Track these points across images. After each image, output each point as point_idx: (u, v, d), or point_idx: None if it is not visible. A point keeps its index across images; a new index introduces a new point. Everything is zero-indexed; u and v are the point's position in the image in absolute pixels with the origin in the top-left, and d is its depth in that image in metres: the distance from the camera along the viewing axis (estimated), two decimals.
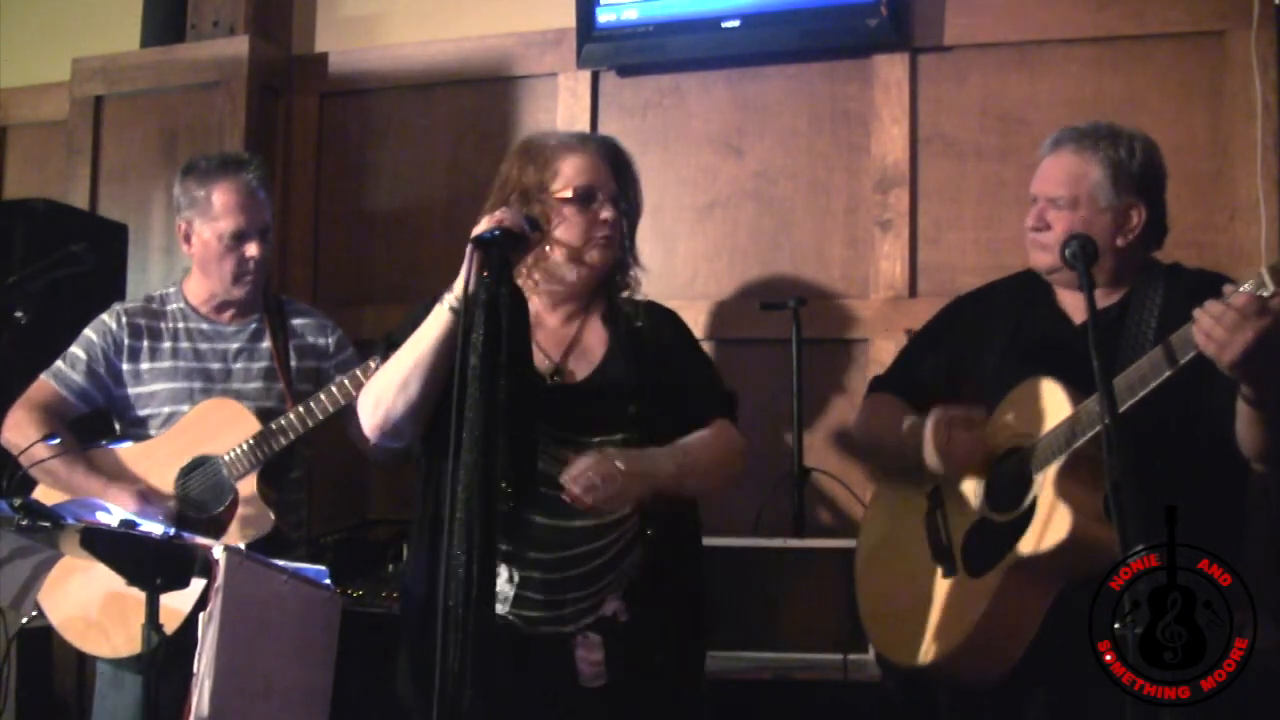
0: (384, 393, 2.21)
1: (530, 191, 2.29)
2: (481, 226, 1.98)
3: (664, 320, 2.43)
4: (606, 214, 2.30)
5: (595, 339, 2.36)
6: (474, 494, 1.77)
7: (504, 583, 2.16)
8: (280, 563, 2.19)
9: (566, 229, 2.28)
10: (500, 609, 2.14)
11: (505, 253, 1.94)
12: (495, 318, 1.85)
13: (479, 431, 1.79)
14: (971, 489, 2.37)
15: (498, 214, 2.02)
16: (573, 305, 2.37)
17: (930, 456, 2.35)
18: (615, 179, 2.34)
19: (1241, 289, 1.99)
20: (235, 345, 2.96)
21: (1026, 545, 2.19)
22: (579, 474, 2.08)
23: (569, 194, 2.28)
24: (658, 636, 2.22)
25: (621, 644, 2.19)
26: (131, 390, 2.92)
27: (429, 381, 2.15)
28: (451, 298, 2.13)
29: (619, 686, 2.19)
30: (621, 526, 2.21)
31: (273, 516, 2.79)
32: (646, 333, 2.37)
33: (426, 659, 1.78)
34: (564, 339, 2.34)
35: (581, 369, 2.31)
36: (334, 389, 2.78)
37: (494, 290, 1.87)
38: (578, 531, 2.18)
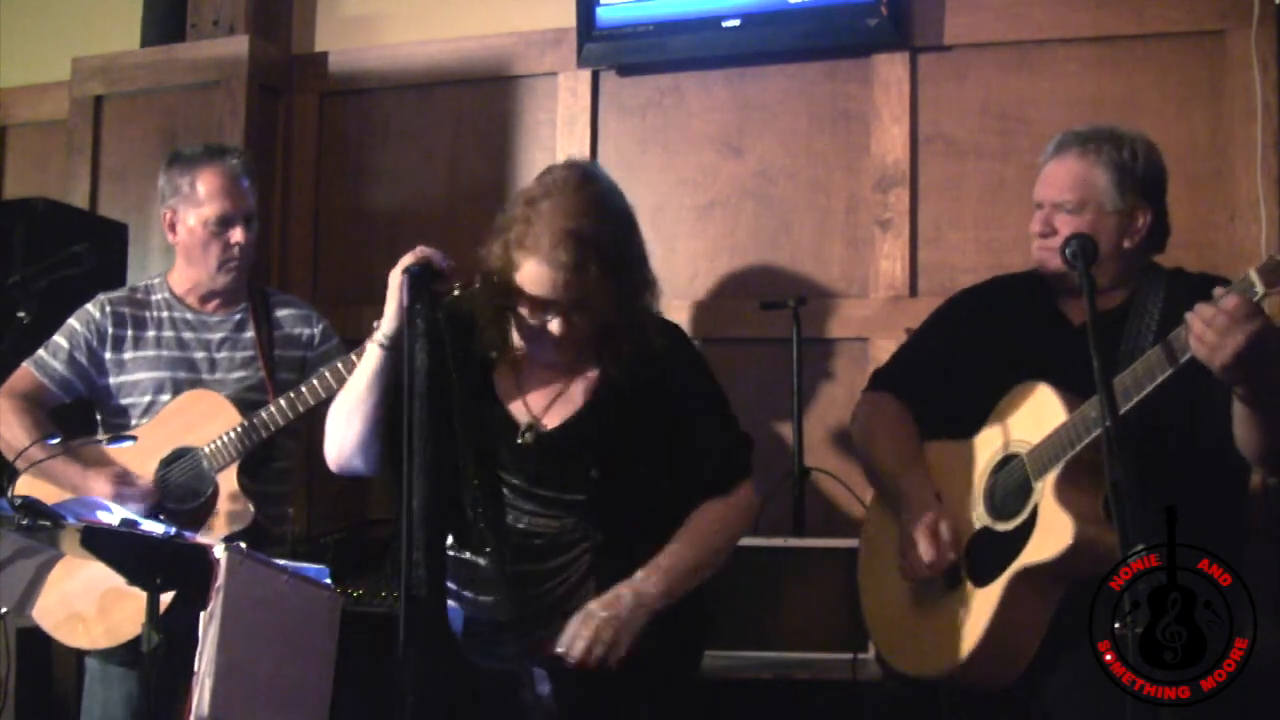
0: (334, 426, 2.33)
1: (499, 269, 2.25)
2: (407, 260, 2.14)
3: (668, 364, 2.32)
4: (551, 328, 2.21)
5: (583, 387, 2.32)
6: (417, 508, 1.94)
7: (456, 612, 2.20)
8: (280, 562, 2.19)
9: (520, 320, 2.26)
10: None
11: (430, 284, 2.11)
12: (438, 342, 2.03)
13: (424, 448, 1.96)
14: (970, 499, 2.37)
15: (420, 250, 2.16)
16: (569, 353, 2.30)
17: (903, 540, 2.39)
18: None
19: (1231, 291, 1.99)
20: (219, 335, 2.96)
21: (1030, 554, 2.19)
22: (571, 640, 2.12)
23: (525, 295, 2.21)
24: (609, 674, 2.17)
25: (566, 680, 2.18)
26: (114, 379, 2.92)
27: (368, 415, 2.27)
28: (380, 335, 2.24)
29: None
30: (566, 571, 2.23)
31: (253, 509, 2.78)
32: (642, 385, 2.28)
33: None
34: (552, 388, 2.32)
35: (555, 420, 2.29)
36: (316, 381, 2.76)
37: (432, 317, 2.06)
38: (522, 575, 2.21)
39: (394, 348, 2.21)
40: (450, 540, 2.27)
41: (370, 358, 2.27)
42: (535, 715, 2.05)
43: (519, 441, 2.27)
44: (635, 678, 2.21)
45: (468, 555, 2.25)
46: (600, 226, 2.19)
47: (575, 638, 2.11)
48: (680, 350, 2.38)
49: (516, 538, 2.24)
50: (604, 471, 2.23)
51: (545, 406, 2.30)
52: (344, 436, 2.31)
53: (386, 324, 2.23)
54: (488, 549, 2.18)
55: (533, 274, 2.18)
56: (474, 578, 2.24)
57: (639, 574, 2.19)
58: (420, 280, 2.12)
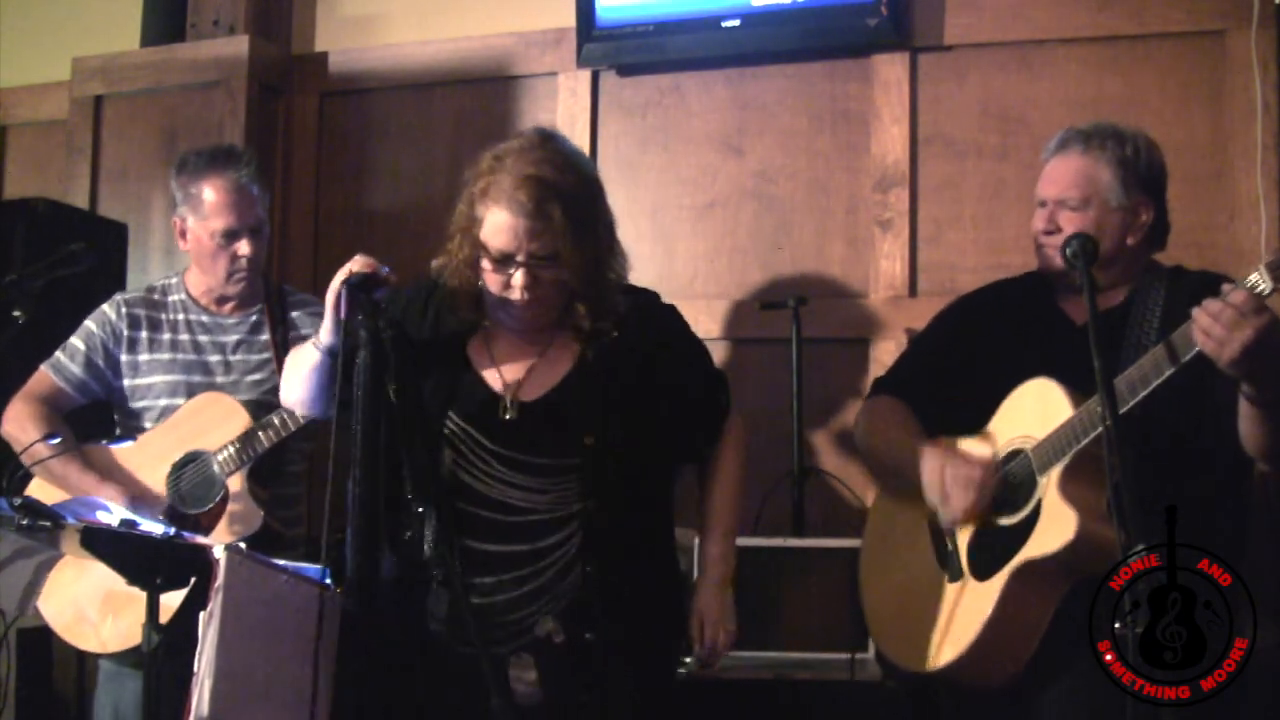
0: (285, 377, 2.41)
1: (469, 224, 2.25)
2: (345, 272, 2.15)
3: (649, 328, 2.34)
4: (515, 282, 2.19)
5: (561, 355, 2.30)
6: (358, 510, 2.04)
7: (439, 602, 2.21)
8: (280, 562, 2.19)
9: (486, 279, 2.25)
10: (437, 628, 2.22)
11: (370, 293, 2.13)
12: (380, 350, 2.07)
13: (362, 453, 2.05)
14: None
15: (358, 260, 2.17)
16: (537, 316, 2.28)
17: (931, 496, 2.35)
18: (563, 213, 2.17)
19: (1239, 286, 1.99)
20: (234, 338, 2.96)
21: (1032, 547, 2.19)
22: (711, 650, 2.33)
23: (488, 250, 2.20)
24: (601, 657, 2.19)
25: (556, 665, 2.19)
26: (128, 381, 2.92)
27: (311, 387, 2.33)
28: (315, 338, 2.27)
29: (557, 706, 2.19)
30: (556, 552, 2.20)
31: (261, 514, 2.78)
32: (623, 349, 2.29)
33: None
34: (529, 358, 2.30)
35: (535, 390, 2.27)
36: None
37: (372, 326, 2.08)
38: (512, 556, 2.20)
39: (330, 355, 2.23)
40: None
41: (308, 353, 2.29)
42: (504, 716, 2.05)
43: (504, 417, 2.24)
44: (621, 667, 2.21)
45: (461, 538, 2.23)
46: (563, 176, 2.19)
47: (713, 648, 2.33)
48: (659, 322, 2.40)
49: (504, 515, 2.21)
50: (598, 439, 2.22)
51: (521, 378, 2.27)
52: (291, 391, 2.39)
53: (324, 335, 2.24)
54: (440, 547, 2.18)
55: (495, 223, 2.17)
56: (461, 558, 2.21)
57: (718, 558, 2.38)
58: (359, 291, 2.13)
